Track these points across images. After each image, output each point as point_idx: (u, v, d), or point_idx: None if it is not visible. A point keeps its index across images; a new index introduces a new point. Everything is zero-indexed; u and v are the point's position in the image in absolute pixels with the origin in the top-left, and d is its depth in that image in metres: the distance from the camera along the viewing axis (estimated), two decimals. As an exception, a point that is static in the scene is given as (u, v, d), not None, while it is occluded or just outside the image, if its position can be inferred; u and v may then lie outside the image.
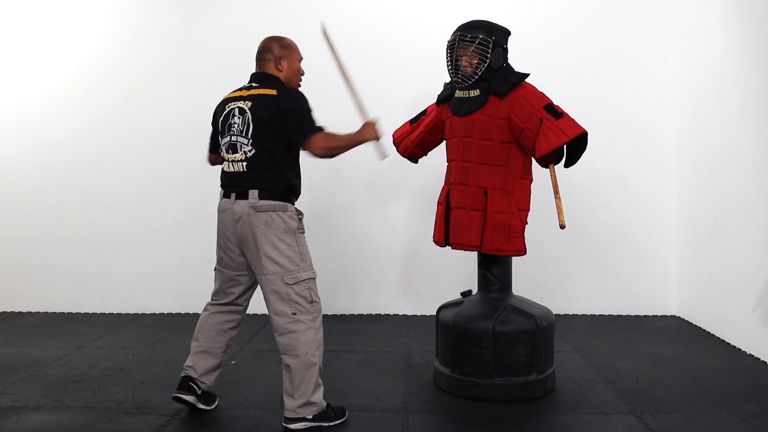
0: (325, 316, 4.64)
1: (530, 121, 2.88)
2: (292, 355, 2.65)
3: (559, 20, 4.64)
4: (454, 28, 3.08)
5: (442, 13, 4.59)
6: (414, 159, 3.54)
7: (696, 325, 4.39)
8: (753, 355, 3.69)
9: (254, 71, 2.83)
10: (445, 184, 3.21)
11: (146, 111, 4.80)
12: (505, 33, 3.06)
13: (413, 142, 3.40)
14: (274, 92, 2.67)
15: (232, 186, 2.70)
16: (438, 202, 3.21)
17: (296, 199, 2.80)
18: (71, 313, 4.85)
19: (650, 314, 4.71)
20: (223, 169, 2.77)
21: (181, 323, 4.47)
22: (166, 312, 4.83)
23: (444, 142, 3.28)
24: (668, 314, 4.71)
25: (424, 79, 4.44)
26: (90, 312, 4.85)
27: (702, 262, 4.32)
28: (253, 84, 2.75)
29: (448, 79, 3.23)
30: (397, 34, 4.67)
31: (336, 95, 4.68)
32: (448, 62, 3.06)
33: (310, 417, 2.67)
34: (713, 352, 3.79)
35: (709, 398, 3.04)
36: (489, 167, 2.98)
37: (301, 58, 2.86)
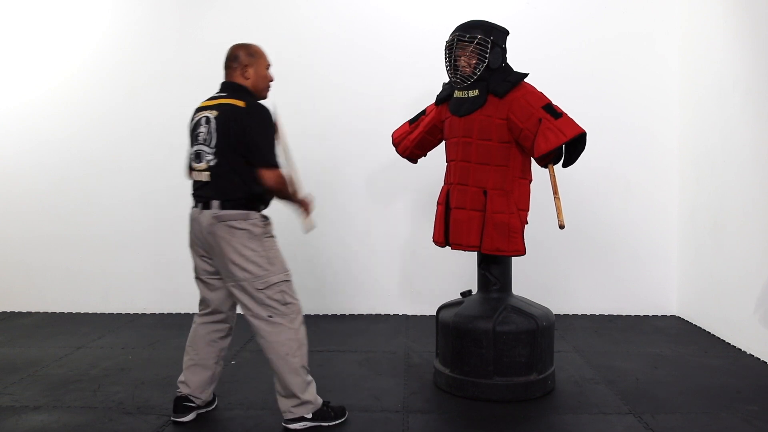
0: (326, 316, 4.67)
1: (529, 121, 2.87)
2: (274, 357, 2.65)
3: (559, 20, 4.64)
4: (453, 28, 3.08)
5: (441, 13, 4.59)
6: (413, 159, 3.54)
7: (696, 325, 4.39)
8: (753, 355, 3.68)
9: (223, 80, 2.80)
10: (444, 184, 3.20)
11: (146, 111, 4.80)
12: (503, 33, 3.05)
13: (412, 142, 3.40)
14: (242, 104, 2.62)
15: (199, 196, 2.70)
16: (438, 202, 3.20)
17: (265, 207, 2.76)
18: (71, 313, 4.85)
19: (650, 314, 4.71)
20: (192, 178, 2.76)
21: (181, 323, 4.47)
22: (166, 312, 4.83)
23: (443, 142, 3.28)
24: (668, 314, 4.71)
25: (423, 79, 4.44)
26: (90, 312, 4.85)
27: (702, 262, 4.32)
28: (222, 93, 2.73)
29: (447, 80, 3.22)
30: (397, 34, 4.67)
31: (336, 95, 4.71)
32: (446, 62, 3.06)
33: (310, 416, 2.68)
34: (713, 352, 3.79)
35: (709, 398, 3.04)
36: (488, 167, 2.98)
37: (269, 65, 2.82)
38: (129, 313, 4.80)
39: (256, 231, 2.64)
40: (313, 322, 4.55)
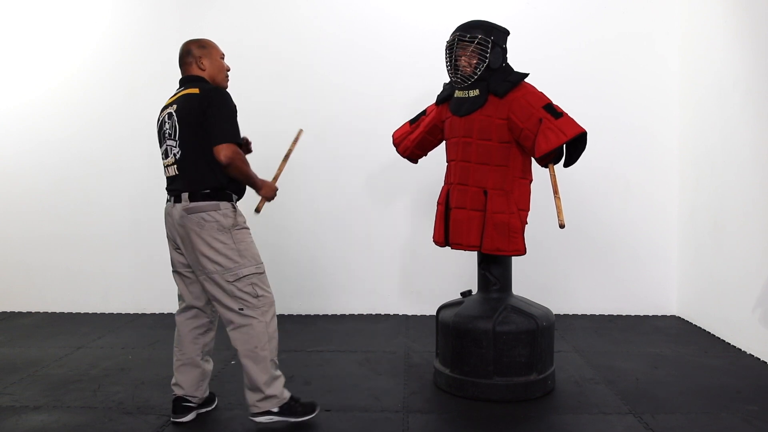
0: (326, 316, 4.67)
1: (530, 121, 2.87)
2: (242, 350, 2.66)
3: (559, 20, 4.64)
4: (454, 28, 3.08)
5: (441, 13, 4.59)
6: (414, 159, 3.54)
7: (696, 325, 4.39)
8: (753, 355, 3.68)
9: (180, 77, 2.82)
10: (444, 184, 3.20)
11: (146, 111, 4.78)
12: (504, 33, 3.05)
13: (413, 142, 3.40)
14: (196, 91, 2.64)
15: (170, 190, 2.72)
16: (438, 202, 3.20)
17: (239, 196, 2.76)
18: (71, 313, 4.85)
19: (650, 314, 4.71)
20: (164, 175, 2.79)
21: (181, 323, 4.47)
22: (166, 312, 4.82)
23: (443, 142, 3.28)
24: (668, 314, 4.71)
25: (423, 79, 4.44)
26: (90, 312, 4.85)
27: (702, 262, 4.32)
28: (180, 88, 2.76)
29: (447, 79, 3.23)
30: (397, 34, 4.67)
31: (336, 95, 4.71)
32: (447, 62, 3.06)
33: (276, 410, 2.69)
34: (713, 352, 3.79)
35: (709, 398, 3.04)
36: (488, 167, 2.98)
37: (223, 55, 2.84)
38: (129, 313, 4.80)
39: (225, 223, 2.64)
40: (312, 322, 4.55)
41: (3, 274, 4.92)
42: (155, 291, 4.83)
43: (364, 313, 4.77)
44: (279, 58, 4.69)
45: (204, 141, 2.59)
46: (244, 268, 2.66)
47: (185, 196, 2.64)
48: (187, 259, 2.74)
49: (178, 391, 2.81)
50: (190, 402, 2.81)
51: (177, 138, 2.64)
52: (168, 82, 4.77)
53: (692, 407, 2.94)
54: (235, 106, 2.66)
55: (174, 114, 2.66)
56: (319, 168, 4.70)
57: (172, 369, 3.41)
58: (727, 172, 3.99)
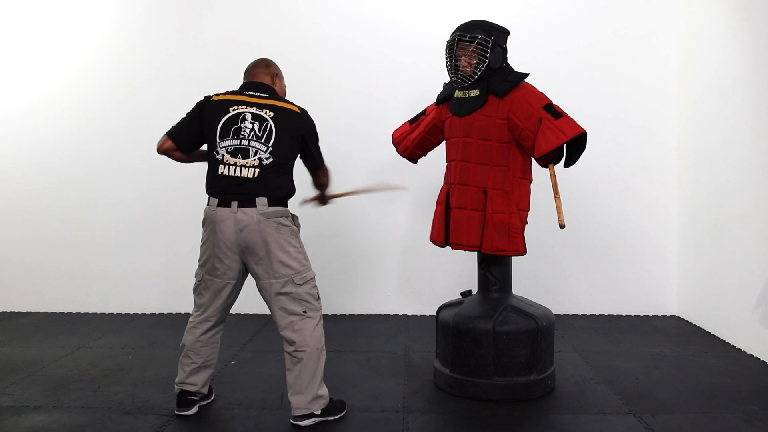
0: (325, 316, 4.63)
1: (530, 121, 2.88)
2: (306, 350, 2.69)
3: (559, 20, 4.64)
4: (454, 28, 3.08)
5: (441, 13, 4.59)
6: (413, 159, 3.54)
7: (696, 325, 4.39)
8: (753, 355, 3.69)
9: (246, 81, 2.83)
10: (444, 184, 3.20)
11: (146, 111, 4.80)
12: (504, 33, 3.06)
13: (413, 142, 3.40)
14: (297, 110, 2.75)
15: (235, 194, 2.61)
16: (437, 202, 3.20)
17: None
18: (71, 313, 4.85)
19: (650, 314, 4.71)
20: (220, 173, 2.64)
21: (181, 323, 4.43)
22: (166, 312, 4.83)
23: (443, 142, 3.28)
24: (668, 314, 4.71)
25: (424, 79, 4.44)
26: (90, 312, 4.85)
27: (702, 262, 4.32)
28: (263, 93, 2.74)
29: (447, 79, 3.23)
30: (397, 34, 4.67)
31: (336, 95, 4.71)
32: (447, 62, 3.06)
33: (318, 412, 2.72)
34: (713, 352, 3.79)
35: (709, 398, 3.04)
36: (488, 167, 2.98)
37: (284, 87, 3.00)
38: (129, 313, 4.80)
39: (295, 228, 2.75)
40: (313, 322, 4.55)
41: (3, 274, 4.92)
42: (155, 291, 4.83)
43: (364, 313, 4.77)
44: (279, 58, 4.64)
45: (292, 154, 2.74)
46: (309, 272, 2.75)
47: (263, 200, 2.62)
48: (254, 264, 2.67)
49: (188, 388, 2.83)
50: (196, 396, 2.86)
51: (271, 144, 2.64)
52: (168, 82, 4.81)
53: (692, 407, 2.94)
54: None
55: (269, 120, 2.66)
56: (319, 168, 4.70)
57: (172, 369, 3.43)
58: (727, 171, 3.99)
